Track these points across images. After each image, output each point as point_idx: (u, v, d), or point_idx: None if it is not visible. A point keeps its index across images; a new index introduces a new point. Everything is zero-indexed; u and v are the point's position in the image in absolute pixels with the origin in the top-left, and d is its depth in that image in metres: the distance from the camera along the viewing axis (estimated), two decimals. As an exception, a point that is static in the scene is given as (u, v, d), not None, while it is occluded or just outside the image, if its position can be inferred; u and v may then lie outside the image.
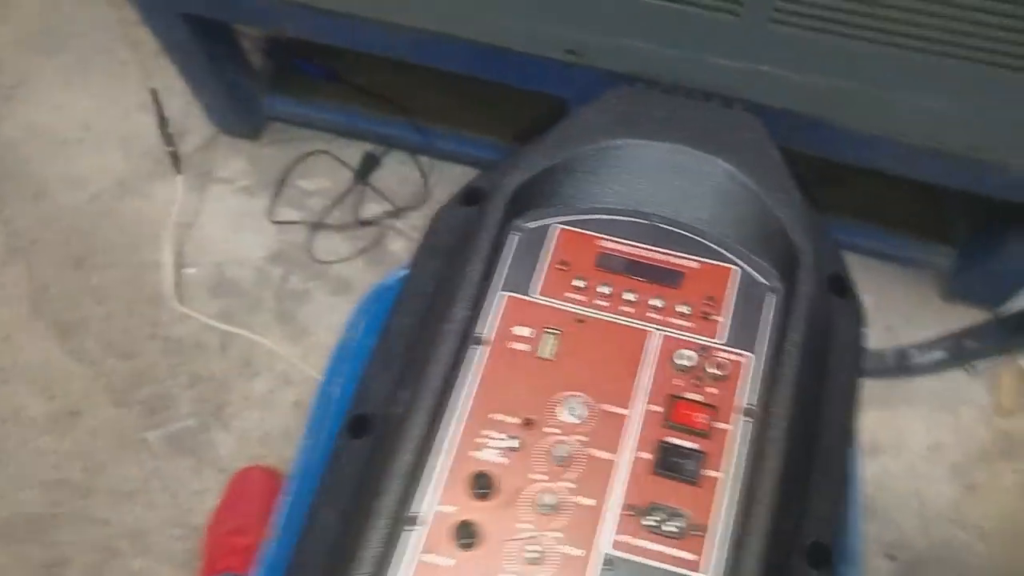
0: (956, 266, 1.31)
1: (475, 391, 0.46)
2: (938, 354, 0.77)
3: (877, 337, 1.31)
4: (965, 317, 1.35)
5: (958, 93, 0.85)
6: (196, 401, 1.29)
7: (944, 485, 1.25)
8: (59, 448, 1.26)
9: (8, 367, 1.32)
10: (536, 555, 0.41)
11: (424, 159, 1.45)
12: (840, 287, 0.54)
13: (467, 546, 0.42)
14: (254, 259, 1.40)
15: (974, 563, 1.20)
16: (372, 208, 1.43)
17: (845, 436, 0.51)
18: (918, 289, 1.37)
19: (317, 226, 1.41)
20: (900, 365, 0.79)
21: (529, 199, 0.52)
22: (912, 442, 1.28)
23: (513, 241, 0.51)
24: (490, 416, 0.45)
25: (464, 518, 0.42)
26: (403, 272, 0.73)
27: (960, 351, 0.76)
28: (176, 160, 1.33)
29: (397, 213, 1.42)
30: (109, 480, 1.24)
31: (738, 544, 0.42)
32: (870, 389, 1.30)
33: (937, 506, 1.24)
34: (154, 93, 1.25)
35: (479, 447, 0.44)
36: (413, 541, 0.42)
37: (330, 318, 1.35)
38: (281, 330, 1.34)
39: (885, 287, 1.37)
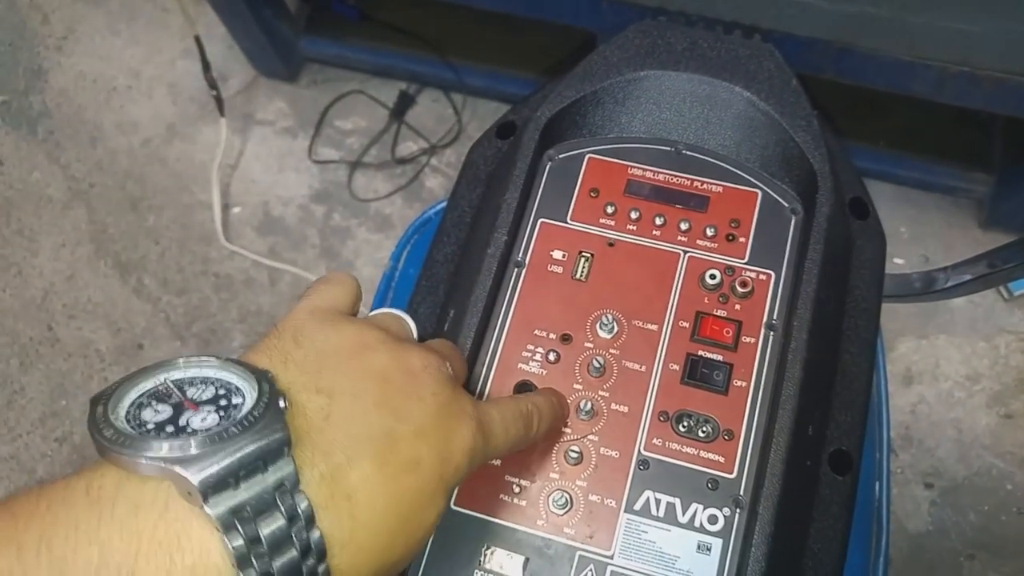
0: (995, 194, 1.30)
1: (516, 310, 0.49)
2: (966, 275, 0.78)
3: (914, 266, 1.32)
4: (1003, 244, 1.35)
5: (989, 13, 0.85)
6: (248, 334, 1.36)
7: (981, 414, 1.27)
8: (126, 380, 1.34)
9: (74, 304, 1.39)
10: (576, 455, 0.45)
11: (457, 96, 1.47)
12: (861, 210, 0.56)
13: (514, 449, 0.46)
14: (297, 198, 1.44)
15: (1012, 491, 1.23)
16: (408, 146, 1.46)
17: (867, 351, 0.53)
18: (956, 218, 1.37)
19: (356, 165, 1.44)
20: (927, 288, 0.81)
21: (560, 130, 0.54)
22: (949, 371, 1.30)
23: (546, 171, 0.53)
24: (530, 332, 0.49)
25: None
26: (441, 205, 0.76)
27: (989, 271, 0.76)
28: (220, 104, 1.37)
29: (432, 150, 1.45)
30: (173, 410, 1.32)
31: (764, 447, 0.45)
32: (906, 319, 1.31)
33: (975, 435, 1.26)
34: (197, 39, 1.28)
35: (522, 360, 0.48)
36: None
37: (372, 253, 1.39)
38: (326, 265, 1.39)
39: (923, 216, 1.37)
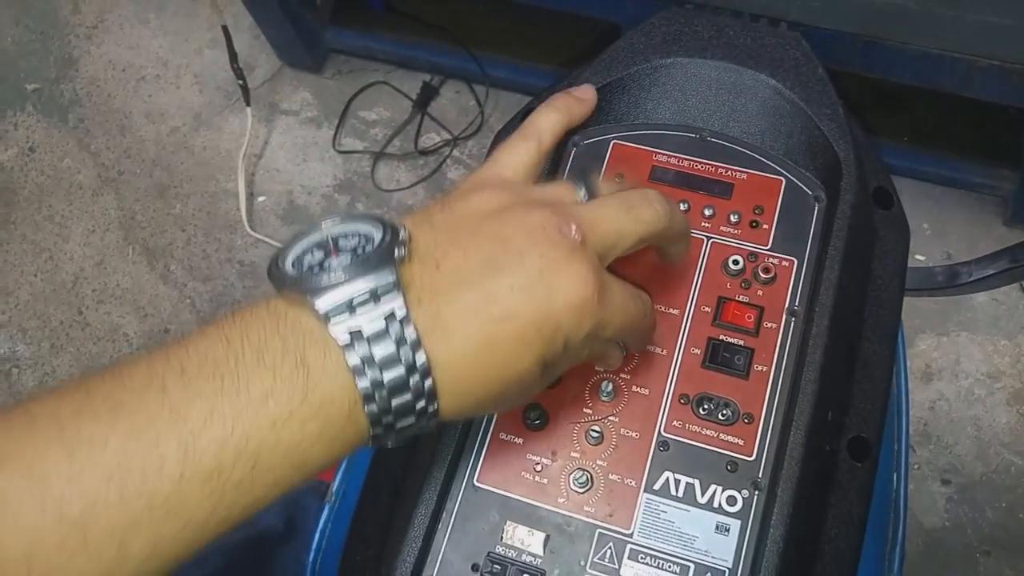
0: (1020, 191, 1.29)
1: (540, 292, 0.50)
2: (989, 270, 0.78)
3: (936, 263, 1.30)
4: (1028, 242, 1.34)
5: (1020, 6, 0.84)
6: (272, 322, 1.37)
7: (1001, 412, 1.26)
8: (152, 363, 1.36)
9: (103, 289, 1.42)
10: (597, 435, 0.46)
11: (480, 88, 1.47)
12: (885, 200, 0.56)
13: (535, 427, 0.46)
14: (321, 187, 1.46)
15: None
16: (431, 137, 1.47)
17: (888, 340, 0.54)
18: (980, 215, 1.36)
19: (379, 155, 1.46)
20: (950, 281, 0.80)
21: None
22: (969, 368, 1.29)
23: (571, 156, 0.54)
24: (554, 314, 0.49)
25: (533, 401, 0.47)
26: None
27: (1012, 266, 0.76)
28: (246, 93, 1.38)
29: (455, 141, 1.45)
30: (199, 394, 1.34)
31: (784, 431, 0.45)
32: (926, 315, 1.31)
33: (994, 432, 1.25)
34: (225, 29, 1.30)
35: (545, 341, 0.49)
36: (487, 421, 0.47)
37: (395, 244, 1.40)
38: (349, 255, 1.40)
39: (946, 213, 1.36)
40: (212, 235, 1.44)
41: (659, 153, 0.54)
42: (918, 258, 1.33)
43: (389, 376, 0.32)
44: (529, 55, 1.42)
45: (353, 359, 0.32)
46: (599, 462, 0.46)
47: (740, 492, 0.45)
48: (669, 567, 0.43)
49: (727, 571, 0.43)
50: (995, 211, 1.35)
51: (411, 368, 0.33)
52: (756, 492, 0.45)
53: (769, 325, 0.48)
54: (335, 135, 1.48)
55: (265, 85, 1.53)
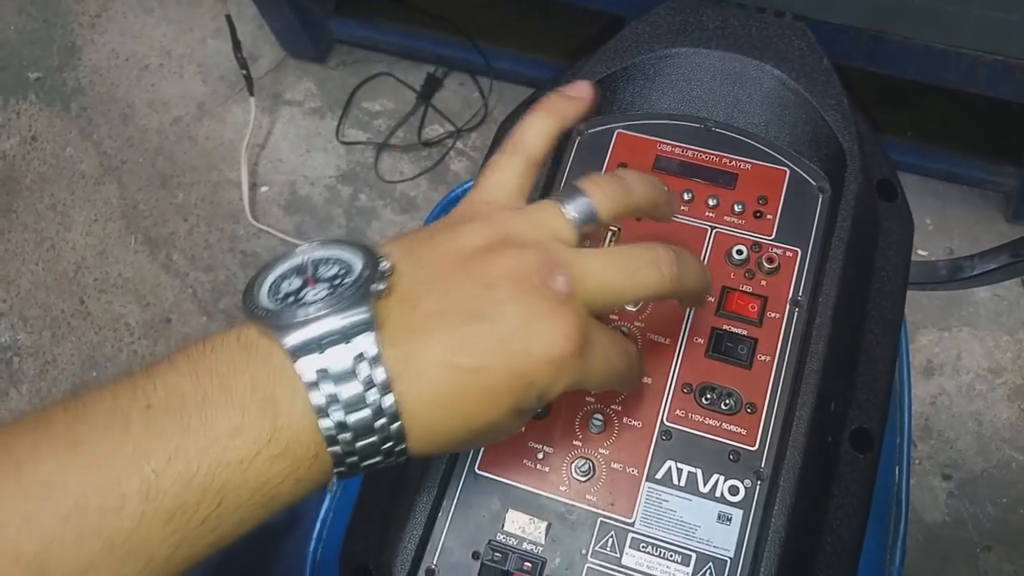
0: (1022, 187, 1.29)
1: (543, 281, 0.50)
2: (992, 264, 0.78)
3: (938, 258, 1.30)
4: (1030, 238, 1.34)
5: (1024, 2, 0.84)
6: (274, 312, 1.37)
7: (1003, 407, 1.26)
8: (154, 352, 1.36)
9: (104, 278, 1.42)
10: (599, 424, 0.46)
11: (484, 80, 1.47)
12: (889, 192, 0.56)
13: (537, 415, 0.46)
14: (324, 178, 1.46)
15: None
16: (434, 129, 1.47)
17: (891, 332, 0.53)
18: (982, 211, 1.36)
19: (383, 147, 1.45)
20: (953, 275, 0.80)
21: (591, 105, 0.54)
22: (971, 364, 1.29)
23: (575, 145, 0.54)
24: (556, 303, 0.49)
25: (535, 390, 0.47)
26: (467, 185, 0.77)
27: (1014, 260, 0.76)
28: (249, 83, 1.38)
29: (458, 133, 1.45)
30: (199, 383, 1.34)
31: (786, 421, 0.45)
32: (928, 311, 1.31)
33: (995, 428, 1.25)
34: (228, 19, 1.30)
35: (547, 330, 0.49)
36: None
37: (397, 235, 1.40)
38: (352, 246, 1.40)
39: (949, 209, 1.36)
40: (215, 225, 1.44)
41: (663, 143, 0.54)
42: (920, 253, 1.33)
43: (354, 418, 0.31)
44: (534, 47, 1.41)
45: (318, 398, 0.31)
46: (601, 451, 0.46)
47: (742, 482, 0.45)
48: (671, 556, 0.43)
49: (729, 561, 0.43)
50: (997, 207, 1.35)
51: (378, 411, 0.32)
52: (758, 482, 0.44)
53: (772, 315, 0.48)
54: (339, 126, 1.48)
55: (269, 75, 1.52)
